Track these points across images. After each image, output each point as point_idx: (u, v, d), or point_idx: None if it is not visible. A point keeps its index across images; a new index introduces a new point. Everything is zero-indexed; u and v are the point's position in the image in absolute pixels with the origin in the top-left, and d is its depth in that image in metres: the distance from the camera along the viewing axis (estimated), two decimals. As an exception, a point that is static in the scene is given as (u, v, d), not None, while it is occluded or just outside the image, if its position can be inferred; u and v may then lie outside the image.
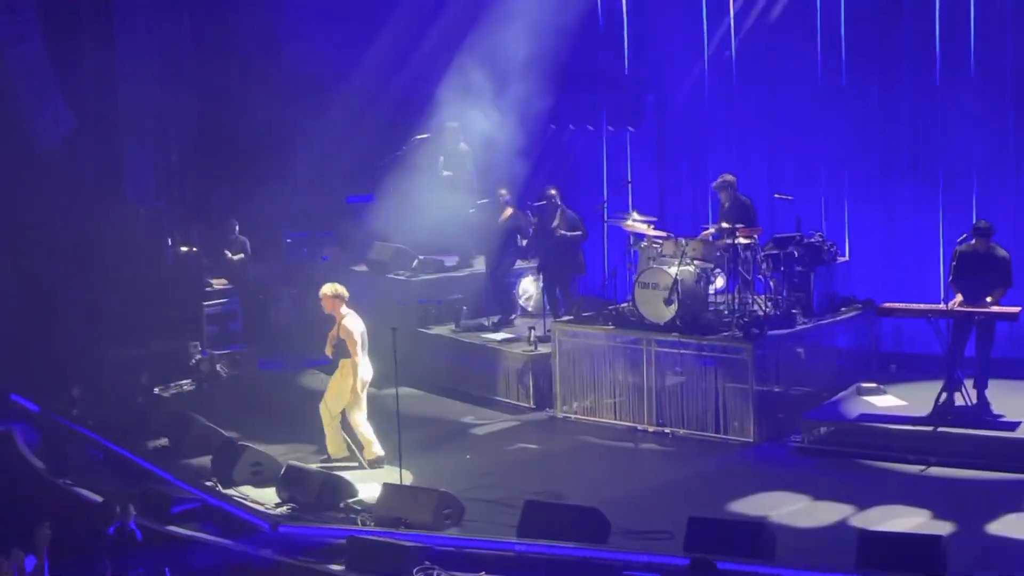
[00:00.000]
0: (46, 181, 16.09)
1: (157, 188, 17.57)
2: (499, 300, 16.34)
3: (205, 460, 13.39)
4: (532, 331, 15.31)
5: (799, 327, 14.24)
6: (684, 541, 10.43)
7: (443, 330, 16.28)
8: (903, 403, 13.54)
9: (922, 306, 13.23)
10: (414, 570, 10.36)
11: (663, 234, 14.74)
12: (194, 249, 17.57)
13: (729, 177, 15.10)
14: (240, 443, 13.35)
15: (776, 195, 15.90)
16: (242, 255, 17.83)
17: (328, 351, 13.07)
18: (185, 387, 15.39)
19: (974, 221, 13.41)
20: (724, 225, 14.42)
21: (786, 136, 16.87)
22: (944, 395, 12.92)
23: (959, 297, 12.81)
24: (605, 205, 15.71)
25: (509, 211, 16.09)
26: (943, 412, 12.83)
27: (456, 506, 11.56)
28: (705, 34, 17.29)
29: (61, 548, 10.66)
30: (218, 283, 17.33)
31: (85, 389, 14.89)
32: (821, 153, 16.56)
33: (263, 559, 11.07)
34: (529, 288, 16.68)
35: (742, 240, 14.19)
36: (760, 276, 14.51)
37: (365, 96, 17.77)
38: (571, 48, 18.34)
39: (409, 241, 17.20)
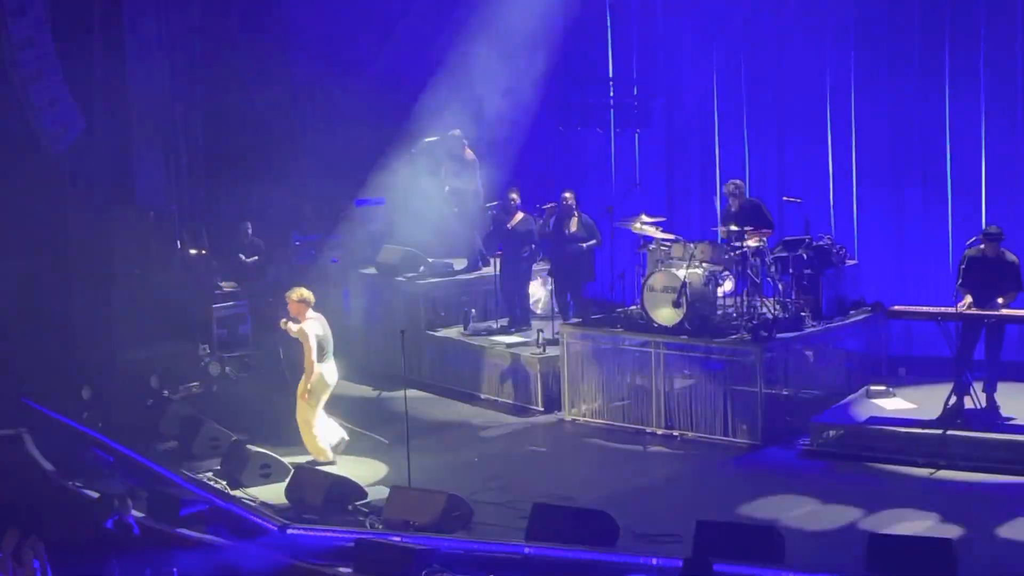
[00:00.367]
0: (56, 184, 16.12)
1: (167, 191, 17.59)
2: (514, 305, 16.31)
3: (214, 462, 13.43)
4: (540, 334, 15.31)
5: (808, 330, 14.23)
6: (693, 544, 10.42)
7: (451, 333, 16.29)
8: (912, 406, 13.52)
9: (931, 309, 13.21)
10: (422, 573, 10.36)
11: (671, 237, 14.74)
12: (203, 252, 17.59)
13: (738, 181, 15.14)
14: (249, 446, 13.37)
15: (785, 198, 15.91)
16: (256, 257, 17.83)
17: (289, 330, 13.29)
18: (194, 390, 15.40)
19: (984, 225, 13.40)
20: (733, 228, 14.41)
21: (795, 139, 16.86)
22: (953, 398, 12.89)
23: (968, 299, 12.79)
24: (613, 208, 15.69)
25: (520, 215, 16.09)
26: (952, 415, 12.81)
27: (464, 509, 11.57)
28: (714, 36, 17.28)
29: (70, 549, 10.67)
30: (227, 286, 17.34)
31: (95, 392, 14.91)
32: (830, 156, 16.54)
33: (271, 561, 11.08)
34: (537, 291, 16.68)
35: (751, 243, 14.19)
36: (769, 279, 14.50)
37: (374, 99, 17.78)
38: (580, 50, 18.37)
39: (418, 244, 17.22)
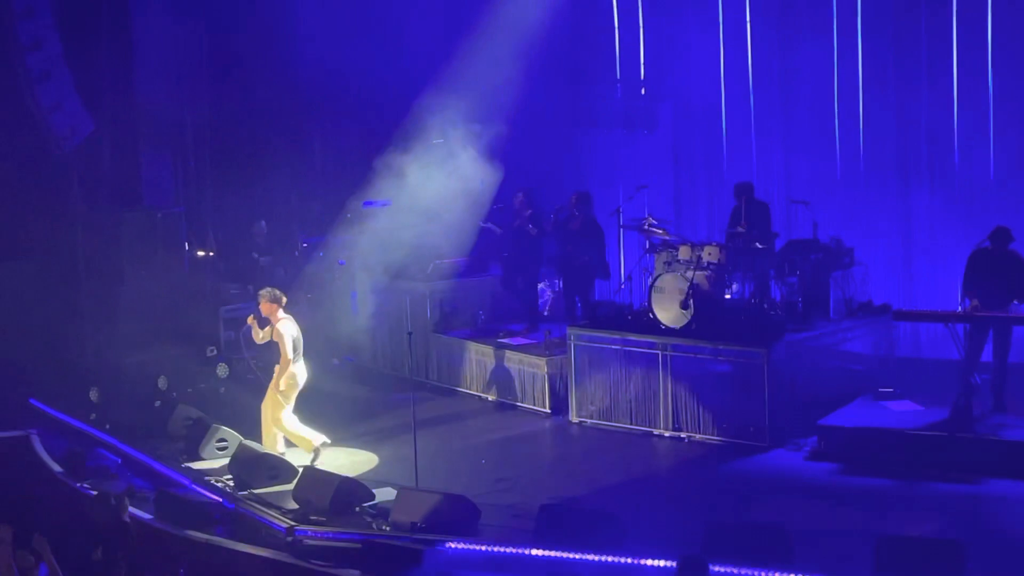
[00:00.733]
0: (64, 185, 16.15)
1: (174, 193, 17.62)
2: (519, 305, 16.32)
3: (222, 464, 13.44)
4: (548, 335, 15.31)
5: (815, 332, 14.21)
6: (700, 546, 10.42)
7: (459, 334, 16.29)
8: (920, 408, 13.50)
9: (939, 311, 13.19)
10: (429, 575, 10.36)
11: (678, 238, 14.74)
12: (211, 253, 17.60)
13: (746, 182, 15.13)
14: (257, 447, 13.39)
15: (793, 200, 15.91)
16: (270, 257, 17.81)
17: (257, 340, 13.52)
18: (202, 391, 15.40)
19: (993, 227, 13.38)
20: (741, 229, 14.41)
21: (803, 141, 16.86)
22: (961, 400, 12.88)
23: (975, 302, 12.77)
24: (621, 210, 15.69)
25: (527, 214, 16.09)
26: (960, 417, 12.79)
27: (472, 510, 11.56)
28: (721, 39, 17.28)
29: (79, 551, 10.68)
30: (235, 288, 17.34)
31: (103, 393, 14.93)
32: (838, 158, 16.54)
33: (279, 563, 11.09)
34: (546, 292, 16.68)
35: (758, 245, 14.18)
36: (776, 281, 14.49)
37: (380, 100, 17.79)
38: (587, 52, 18.38)
39: (425, 245, 17.23)
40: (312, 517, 11.86)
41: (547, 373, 15.04)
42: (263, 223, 17.83)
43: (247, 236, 17.81)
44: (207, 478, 13.12)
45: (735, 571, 10.03)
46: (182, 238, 16.77)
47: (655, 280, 14.27)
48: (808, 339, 14.12)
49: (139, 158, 16.84)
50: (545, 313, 16.58)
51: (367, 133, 17.66)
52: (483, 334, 16.18)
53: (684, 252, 14.33)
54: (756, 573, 10.03)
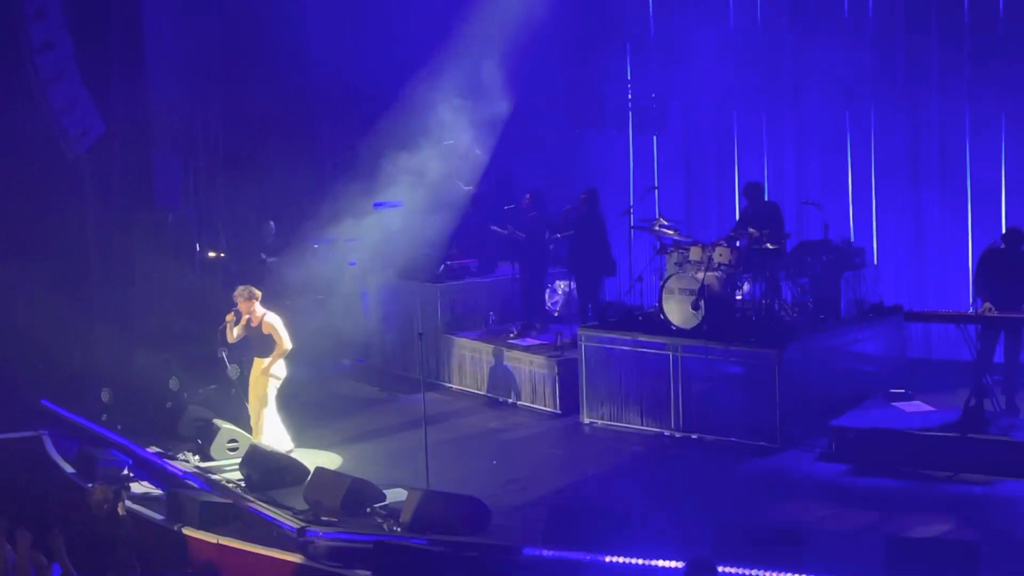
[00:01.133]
0: (75, 187, 16.17)
1: (185, 194, 17.63)
2: (529, 306, 16.32)
3: (232, 464, 13.46)
4: (559, 337, 15.31)
5: (827, 333, 14.19)
6: (711, 547, 10.40)
7: (470, 335, 16.29)
8: (932, 409, 13.48)
9: (951, 312, 13.17)
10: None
11: (689, 239, 14.73)
12: (221, 254, 17.61)
13: (757, 183, 15.11)
14: (267, 447, 13.40)
15: (804, 201, 15.89)
16: (276, 258, 17.82)
17: (231, 338, 13.61)
18: (213, 391, 15.42)
19: (1004, 227, 13.36)
20: (752, 230, 14.39)
21: (814, 142, 16.85)
22: (973, 401, 12.85)
23: (987, 303, 12.74)
24: (631, 211, 15.69)
25: (532, 215, 16.10)
26: (972, 418, 12.76)
27: (483, 511, 11.56)
28: (731, 39, 17.26)
29: (88, 552, 10.69)
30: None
31: (114, 394, 14.96)
32: (849, 159, 16.51)
33: (290, 564, 11.09)
34: (557, 293, 16.68)
35: (769, 245, 14.16)
36: (787, 282, 14.47)
37: (391, 101, 17.80)
38: (598, 53, 18.38)
39: (435, 246, 17.24)
40: (323, 518, 11.87)
41: (557, 374, 15.03)
42: (271, 224, 17.84)
43: (256, 237, 17.82)
44: (218, 479, 13.14)
45: (746, 572, 10.02)
46: (193, 239, 16.80)
47: (666, 281, 14.26)
48: (819, 340, 14.10)
49: (150, 159, 16.85)
50: (556, 314, 16.57)
51: (378, 134, 17.66)
52: (494, 335, 16.18)
53: (695, 253, 14.32)
54: (767, 574, 10.01)
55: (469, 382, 16.09)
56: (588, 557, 10.58)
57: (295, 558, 11.10)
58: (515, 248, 16.39)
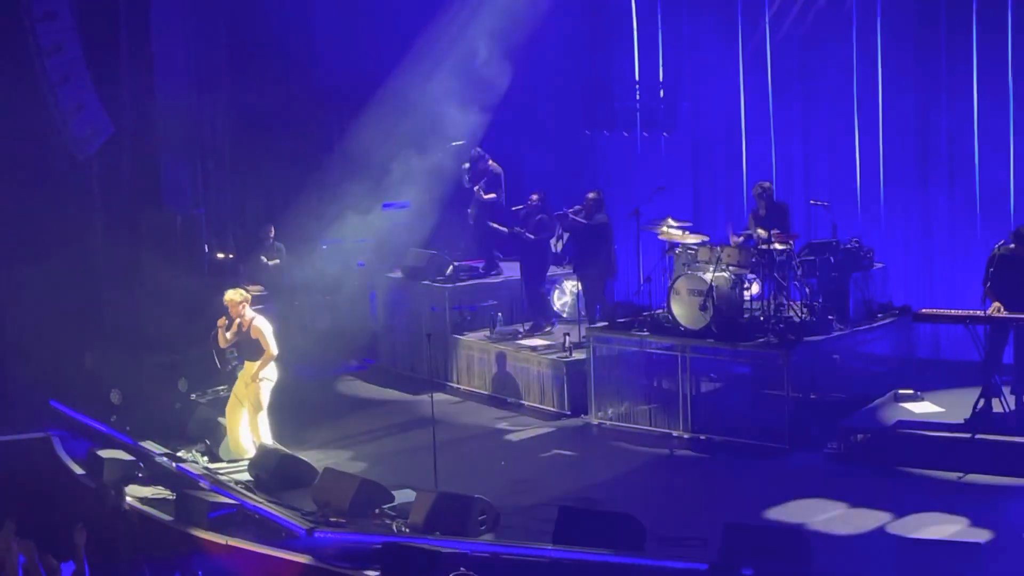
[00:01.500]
0: (84, 188, 16.20)
1: (193, 195, 17.65)
2: (536, 307, 16.33)
3: (241, 465, 13.48)
4: (567, 337, 15.31)
5: (835, 333, 14.19)
6: (719, 548, 10.40)
7: (478, 336, 16.30)
8: (940, 410, 13.46)
9: (959, 312, 13.15)
10: (449, 576, 10.38)
11: (698, 240, 14.72)
12: (231, 256, 17.63)
13: (766, 184, 15.09)
14: (276, 448, 13.41)
15: (812, 201, 15.87)
16: (278, 260, 17.89)
17: (223, 343, 13.57)
18: (222, 393, 15.45)
19: (1013, 227, 13.32)
20: (760, 231, 14.37)
21: (822, 142, 16.82)
22: (982, 401, 12.83)
23: (997, 304, 12.72)
24: (639, 211, 15.67)
25: (540, 217, 16.08)
26: (981, 419, 12.75)
27: (491, 512, 11.57)
28: (740, 40, 17.25)
29: (98, 554, 10.72)
30: (254, 289, 17.38)
31: (123, 395, 14.98)
32: (858, 159, 16.49)
33: (298, 564, 11.10)
34: (565, 294, 16.67)
35: (777, 246, 14.15)
36: (796, 282, 14.46)
37: (399, 102, 17.82)
38: (606, 53, 18.37)
39: (443, 247, 17.25)
40: (332, 519, 11.88)
41: (566, 374, 15.02)
42: (271, 226, 17.88)
43: (256, 239, 17.86)
44: (226, 480, 13.15)
45: (755, 573, 10.00)
46: (202, 240, 16.80)
47: (674, 282, 14.25)
48: (828, 340, 14.08)
49: (159, 160, 16.87)
50: (564, 315, 16.56)
51: (386, 135, 17.68)
52: (502, 336, 16.17)
53: (703, 253, 14.31)
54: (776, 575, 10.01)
55: (477, 382, 16.09)
56: (596, 558, 10.59)
57: (304, 559, 11.12)
58: (521, 249, 16.37)
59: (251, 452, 13.43)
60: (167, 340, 15.35)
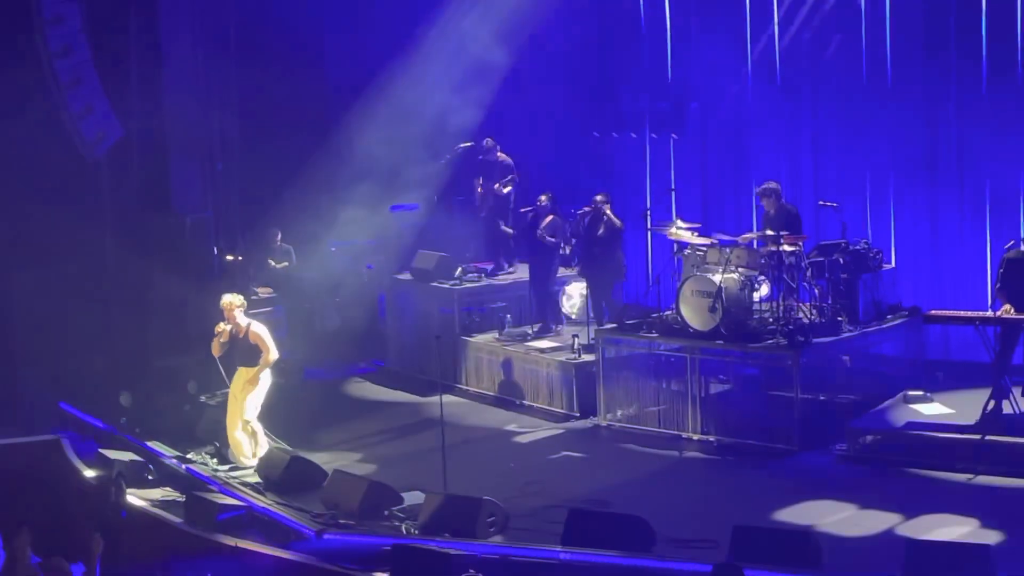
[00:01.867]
0: (93, 191, 16.22)
1: (203, 197, 17.65)
2: (544, 309, 16.33)
3: (251, 466, 13.48)
4: (576, 339, 15.30)
5: (844, 335, 14.16)
6: (728, 550, 10.39)
7: (487, 338, 16.30)
8: (950, 411, 13.43)
9: (969, 313, 13.12)
10: (458, 578, 10.38)
11: (707, 241, 14.71)
12: (240, 258, 17.65)
13: (773, 184, 15.04)
14: (285, 450, 13.42)
15: (821, 202, 15.85)
16: (286, 263, 17.89)
17: (217, 351, 13.57)
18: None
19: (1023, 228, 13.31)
20: (768, 232, 14.36)
21: (831, 143, 16.79)
22: (992, 403, 12.80)
23: (1007, 305, 12.69)
24: (649, 213, 15.67)
25: (550, 218, 16.10)
26: (991, 420, 12.71)
27: (500, 514, 11.57)
28: (749, 41, 17.23)
29: (108, 555, 10.73)
30: (263, 292, 17.41)
31: (132, 397, 15.00)
32: (866, 160, 16.46)
33: (308, 566, 11.11)
34: (573, 296, 16.66)
35: (787, 247, 14.14)
36: (805, 283, 14.44)
37: (408, 104, 17.83)
38: (614, 55, 18.36)
39: (452, 249, 17.26)
40: (341, 521, 11.89)
41: (575, 376, 15.02)
42: (277, 230, 17.90)
43: (266, 242, 17.87)
44: (236, 481, 13.17)
45: (764, 575, 10.00)
46: (211, 242, 16.81)
47: (683, 283, 14.24)
48: (837, 342, 14.06)
49: (168, 163, 16.86)
50: (572, 316, 16.55)
51: (395, 137, 17.69)
52: (510, 337, 16.17)
53: (712, 255, 14.29)
54: (786, 577, 10.01)
55: (486, 384, 16.09)
56: (606, 559, 10.59)
57: (312, 561, 11.12)
58: (531, 250, 16.36)
59: (249, 457, 13.44)
60: (177, 342, 15.37)
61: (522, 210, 16.76)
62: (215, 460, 13.75)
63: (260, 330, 13.47)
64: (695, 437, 13.99)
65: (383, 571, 10.80)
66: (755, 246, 14.52)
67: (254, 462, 13.44)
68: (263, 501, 12.56)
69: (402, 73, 17.93)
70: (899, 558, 9.95)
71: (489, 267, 17.35)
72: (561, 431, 14.72)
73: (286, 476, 12.96)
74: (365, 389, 16.80)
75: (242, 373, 13.52)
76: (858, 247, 14.71)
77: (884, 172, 16.37)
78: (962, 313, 13.23)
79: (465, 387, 16.25)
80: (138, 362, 15.50)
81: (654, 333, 14.44)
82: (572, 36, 18.10)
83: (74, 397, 15.29)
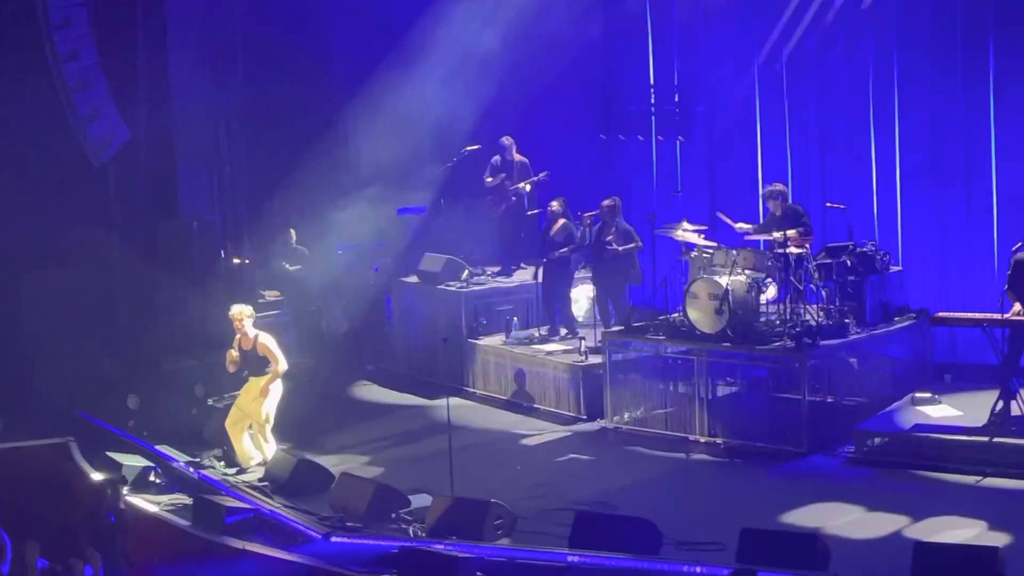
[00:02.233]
0: (101, 194, 16.26)
1: (210, 200, 17.69)
2: (555, 312, 16.29)
3: (258, 469, 13.50)
4: (583, 342, 15.30)
5: (852, 337, 14.14)
6: (736, 552, 10.38)
7: (494, 341, 16.29)
8: (958, 413, 13.42)
9: (977, 315, 13.10)
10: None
11: (714, 244, 14.70)
12: (247, 261, 17.67)
13: (779, 186, 15.05)
14: (293, 453, 13.43)
15: (828, 204, 15.83)
16: (300, 266, 17.88)
17: (232, 368, 13.52)
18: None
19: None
20: (776, 234, 14.34)
21: (838, 144, 16.77)
22: (1000, 405, 12.79)
23: (1017, 306, 12.67)
24: (655, 215, 15.65)
25: (561, 222, 16.10)
26: (999, 422, 12.70)
27: (507, 516, 11.56)
28: (755, 44, 17.22)
29: (106, 559, 10.76)
30: (270, 294, 17.41)
31: (140, 400, 15.02)
32: (873, 161, 16.44)
33: (315, 569, 11.12)
34: (580, 298, 16.66)
35: (793, 249, 14.13)
36: (812, 285, 14.42)
37: (416, 107, 17.84)
38: (621, 58, 18.36)
39: (459, 252, 17.26)
40: (348, 524, 11.89)
41: (582, 379, 15.02)
42: (292, 231, 17.89)
43: (279, 243, 17.88)
44: (243, 484, 13.18)
45: (772, 577, 10.00)
46: (218, 246, 16.85)
47: (690, 285, 14.23)
48: (845, 344, 14.04)
49: (175, 166, 16.91)
50: (579, 319, 16.54)
51: (402, 140, 17.70)
52: (517, 340, 16.16)
53: (719, 257, 14.29)
54: (793, 579, 10.00)
55: (493, 387, 16.08)
56: (614, 562, 10.58)
57: (320, 564, 11.13)
58: (544, 253, 16.34)
59: (254, 463, 13.45)
60: (184, 345, 15.39)
61: (529, 213, 16.74)
62: (223, 463, 13.77)
63: (268, 341, 13.46)
64: (702, 439, 13.98)
65: (390, 574, 10.80)
66: (762, 247, 14.51)
67: (261, 466, 13.44)
68: (270, 504, 12.58)
69: (408, 76, 17.95)
70: (907, 561, 9.93)
71: (496, 269, 17.35)
72: (568, 434, 14.71)
73: (293, 479, 12.97)
74: (372, 392, 16.81)
75: (253, 383, 13.51)
76: (865, 249, 14.70)
77: (891, 173, 16.35)
78: (970, 315, 13.21)
79: (472, 390, 16.25)
80: (145, 365, 15.52)
81: (661, 335, 14.43)
82: (579, 39, 18.07)
83: (82, 400, 15.31)
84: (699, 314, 14.07)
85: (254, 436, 13.57)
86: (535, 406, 15.51)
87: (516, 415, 15.45)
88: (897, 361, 14.69)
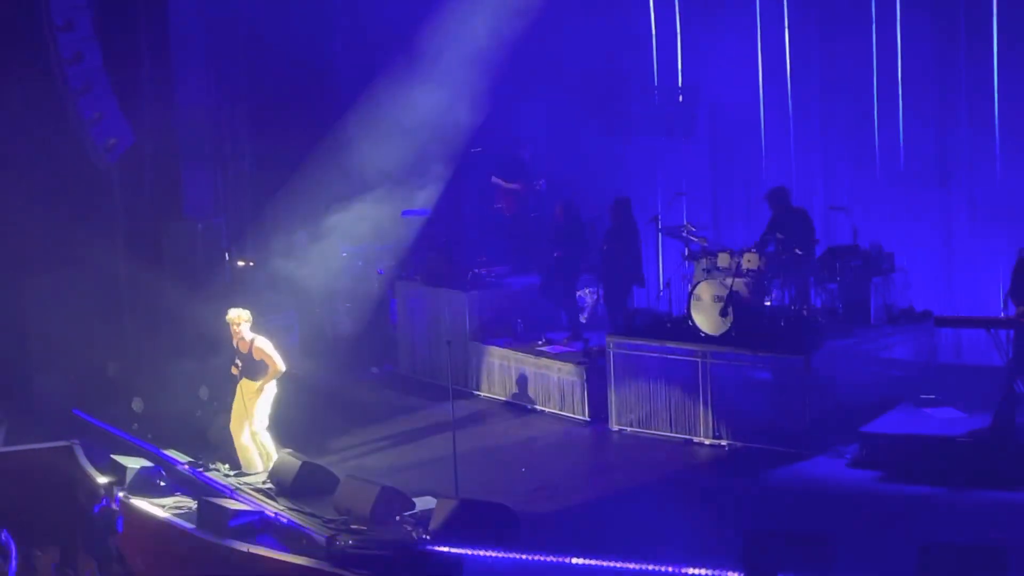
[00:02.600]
0: (105, 197, 16.28)
1: (214, 203, 17.72)
2: (564, 312, 16.30)
3: (263, 473, 13.50)
4: (587, 343, 15.29)
5: (856, 338, 14.13)
6: (741, 554, 10.38)
7: (498, 343, 16.28)
8: (962, 415, 13.40)
9: (981, 317, 13.08)
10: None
11: (717, 246, 14.69)
12: (251, 263, 17.69)
13: (781, 188, 15.04)
14: (298, 456, 13.44)
15: (832, 206, 15.83)
16: (309, 268, 17.86)
17: (236, 371, 13.49)
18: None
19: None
20: (779, 236, 14.34)
21: (841, 146, 16.77)
22: (1004, 407, 12.76)
23: (1021, 308, 12.66)
24: (659, 217, 15.66)
25: (566, 223, 16.09)
26: (1003, 424, 12.68)
27: (512, 519, 11.56)
28: (759, 44, 17.22)
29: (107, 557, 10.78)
30: (274, 297, 17.41)
31: (145, 403, 15.04)
32: (878, 163, 16.44)
33: (319, 572, 11.12)
34: (584, 300, 16.66)
35: (798, 251, 14.12)
36: (816, 287, 14.42)
37: (421, 109, 17.85)
38: (625, 59, 18.36)
39: (464, 253, 17.26)
40: (353, 526, 11.89)
41: (586, 381, 15.02)
42: (302, 233, 17.90)
43: (287, 246, 17.89)
44: (248, 487, 13.18)
45: (776, 579, 10.00)
46: (223, 248, 16.86)
47: (694, 287, 14.24)
48: (849, 346, 14.04)
49: (179, 169, 16.94)
50: (583, 320, 16.56)
51: (406, 142, 17.71)
52: (522, 342, 16.17)
53: (723, 259, 14.29)
54: (798, 581, 9.99)
55: (497, 389, 16.09)
56: (619, 564, 10.58)
57: (324, 566, 11.13)
58: (555, 259, 16.34)
59: (258, 466, 13.46)
60: (188, 348, 15.40)
61: (532, 215, 16.75)
62: (227, 466, 13.77)
63: (264, 345, 13.46)
64: (706, 441, 13.98)
65: (395, 576, 10.82)
66: (766, 249, 14.51)
67: (264, 468, 13.45)
68: (275, 507, 12.58)
69: (412, 78, 17.95)
70: (912, 562, 9.93)
71: (501, 271, 17.36)
72: (572, 435, 14.71)
73: (298, 482, 12.98)
74: (376, 394, 16.81)
75: (247, 386, 13.52)
76: (869, 251, 14.69)
77: (895, 175, 16.35)
78: (974, 317, 13.19)
79: (476, 392, 16.26)
80: (150, 368, 15.53)
81: (665, 338, 14.43)
82: (582, 40, 18.09)
83: (87, 403, 15.32)
84: (703, 316, 14.07)
85: (254, 437, 13.57)
86: (539, 408, 15.52)
87: (520, 417, 15.46)
88: (901, 363, 14.69)
